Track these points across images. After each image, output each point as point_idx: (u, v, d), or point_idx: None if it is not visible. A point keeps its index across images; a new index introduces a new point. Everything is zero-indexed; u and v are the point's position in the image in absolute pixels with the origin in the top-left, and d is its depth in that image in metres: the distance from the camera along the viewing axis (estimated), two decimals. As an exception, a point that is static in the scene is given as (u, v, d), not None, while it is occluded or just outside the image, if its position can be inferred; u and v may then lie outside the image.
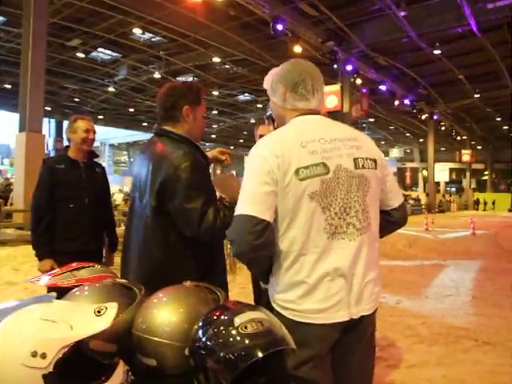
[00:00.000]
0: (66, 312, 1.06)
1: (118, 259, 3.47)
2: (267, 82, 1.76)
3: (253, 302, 3.01)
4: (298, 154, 1.45)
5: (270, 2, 12.80)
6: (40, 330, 1.00)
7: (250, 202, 1.44)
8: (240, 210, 1.45)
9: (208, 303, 1.38)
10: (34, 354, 0.96)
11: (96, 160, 3.31)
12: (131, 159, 47.16)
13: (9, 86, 22.03)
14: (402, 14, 13.59)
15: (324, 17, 14.31)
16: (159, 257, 1.90)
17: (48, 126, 29.02)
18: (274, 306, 1.52)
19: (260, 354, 1.08)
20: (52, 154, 24.71)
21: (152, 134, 2.13)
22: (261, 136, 2.99)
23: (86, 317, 1.05)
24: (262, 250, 1.47)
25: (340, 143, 1.53)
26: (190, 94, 2.02)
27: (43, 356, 0.95)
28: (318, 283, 1.45)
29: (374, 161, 1.58)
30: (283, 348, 1.15)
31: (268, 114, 2.72)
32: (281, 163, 1.43)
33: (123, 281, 1.59)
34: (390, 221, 1.70)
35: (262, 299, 2.79)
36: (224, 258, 2.18)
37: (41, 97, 11.31)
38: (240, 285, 6.14)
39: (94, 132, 3.17)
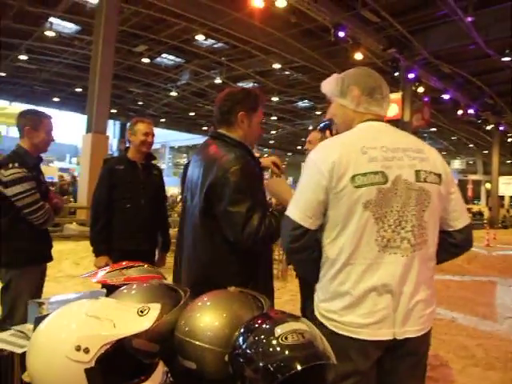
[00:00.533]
0: (110, 310, 1.09)
1: (170, 259, 3.56)
2: (331, 86, 1.68)
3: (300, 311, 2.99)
4: (357, 159, 1.42)
5: (331, 9, 12.71)
6: (84, 325, 1.03)
7: (294, 206, 1.48)
8: (287, 211, 1.50)
9: (251, 310, 1.37)
10: (78, 348, 0.99)
11: (154, 162, 3.41)
12: (190, 162, 48.14)
13: (80, 90, 23.14)
14: (469, 19, 13.02)
15: (386, 23, 13.99)
16: (205, 259, 1.92)
17: (113, 128, 30.43)
18: (317, 314, 1.50)
19: (299, 367, 1.05)
20: (116, 154, 25.86)
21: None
22: (309, 142, 3.00)
23: (129, 316, 1.07)
24: (298, 254, 1.51)
25: (402, 153, 1.47)
26: (247, 100, 2.03)
27: (86, 351, 0.98)
28: (364, 296, 1.41)
29: (439, 176, 1.51)
30: (323, 362, 1.12)
31: (322, 124, 2.70)
32: (336, 168, 1.40)
33: (169, 282, 1.62)
34: (452, 243, 1.60)
35: (307, 308, 2.76)
36: (271, 264, 2.16)
37: (107, 100, 11.86)
38: (290, 292, 6.09)
39: (153, 135, 3.27)
